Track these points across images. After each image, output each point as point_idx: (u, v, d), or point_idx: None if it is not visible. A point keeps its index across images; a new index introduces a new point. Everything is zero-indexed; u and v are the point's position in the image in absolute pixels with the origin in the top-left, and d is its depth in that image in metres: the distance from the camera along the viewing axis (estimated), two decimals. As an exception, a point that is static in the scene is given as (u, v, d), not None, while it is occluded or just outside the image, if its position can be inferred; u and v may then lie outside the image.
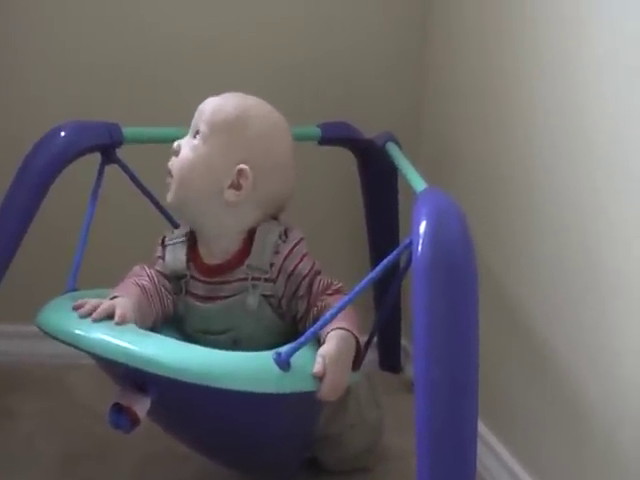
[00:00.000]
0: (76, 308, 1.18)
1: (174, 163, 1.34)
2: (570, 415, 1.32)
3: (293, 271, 1.33)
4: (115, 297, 1.23)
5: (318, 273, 1.35)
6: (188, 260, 1.36)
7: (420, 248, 1.07)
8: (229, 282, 1.33)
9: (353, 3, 1.97)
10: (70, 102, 1.85)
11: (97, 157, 1.50)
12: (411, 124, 1.98)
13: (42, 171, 1.40)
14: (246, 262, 1.32)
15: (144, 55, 1.88)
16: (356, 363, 1.25)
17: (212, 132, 1.32)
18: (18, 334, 1.88)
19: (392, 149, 1.71)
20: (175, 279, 1.36)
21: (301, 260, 1.34)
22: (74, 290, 1.34)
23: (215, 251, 1.35)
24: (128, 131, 1.51)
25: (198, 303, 1.35)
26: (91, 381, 1.76)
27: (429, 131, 1.97)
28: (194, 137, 1.34)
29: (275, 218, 1.38)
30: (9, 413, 1.68)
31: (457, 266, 1.07)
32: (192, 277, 1.36)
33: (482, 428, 1.52)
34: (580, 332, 1.30)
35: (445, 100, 1.89)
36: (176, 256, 1.37)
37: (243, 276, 1.32)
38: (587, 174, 1.28)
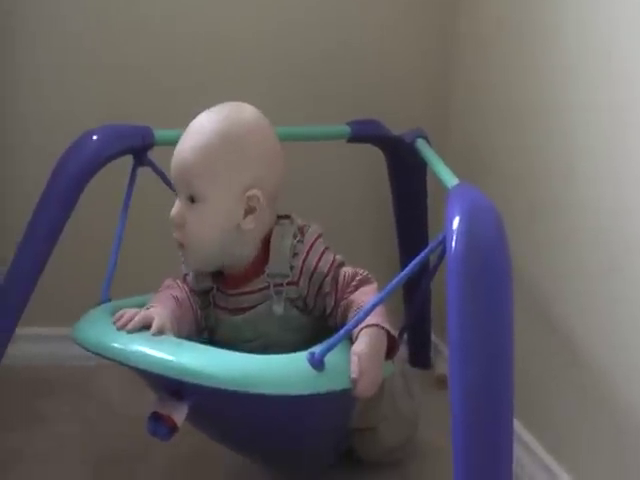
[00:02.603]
0: (115, 320, 1.18)
1: (185, 237, 1.28)
2: (606, 409, 1.32)
3: (314, 270, 1.31)
4: (151, 307, 1.23)
5: (341, 265, 1.33)
6: (212, 274, 1.36)
7: (454, 244, 1.07)
8: (253, 292, 1.33)
9: (381, 0, 1.97)
10: (99, 106, 1.87)
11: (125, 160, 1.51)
12: (440, 120, 1.99)
13: (76, 175, 1.41)
14: (266, 270, 1.32)
15: (172, 58, 1.90)
16: (390, 353, 1.25)
17: (204, 187, 1.26)
18: (49, 337, 1.91)
19: (422, 146, 1.71)
20: (202, 294, 1.36)
21: (320, 258, 1.32)
22: (108, 300, 1.35)
23: (236, 265, 1.33)
24: (159, 133, 1.52)
25: (226, 315, 1.35)
26: (123, 385, 1.77)
27: (458, 127, 1.97)
28: (191, 201, 1.27)
29: (287, 216, 1.35)
30: (40, 416, 1.69)
31: (492, 262, 1.06)
32: (218, 289, 1.35)
33: (517, 425, 1.52)
34: (615, 326, 1.29)
35: (474, 96, 1.89)
36: (201, 276, 1.36)
37: (265, 285, 1.32)
38: (626, 170, 1.28)
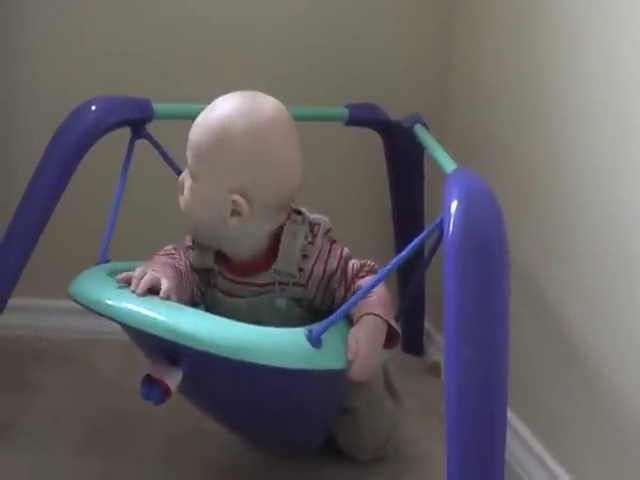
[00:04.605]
0: (120, 280, 1.17)
1: (182, 202, 1.28)
2: (597, 400, 1.32)
3: (324, 273, 1.30)
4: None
5: (348, 259, 1.32)
6: (216, 255, 1.33)
7: (452, 227, 1.07)
8: (256, 285, 1.30)
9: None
10: (100, 78, 1.85)
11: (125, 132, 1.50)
12: (438, 107, 1.98)
13: (73, 145, 1.40)
14: (273, 266, 1.29)
15: (174, 32, 1.88)
16: (389, 343, 1.25)
17: (198, 168, 1.24)
18: (43, 308, 1.90)
19: (420, 131, 1.70)
20: (203, 272, 1.33)
21: (328, 257, 1.30)
22: (107, 262, 1.34)
23: (241, 254, 1.31)
24: (158, 106, 1.52)
25: (226, 298, 1.33)
26: (114, 357, 1.77)
27: (456, 114, 1.97)
28: (191, 175, 1.27)
29: (299, 212, 1.32)
30: (32, 387, 1.68)
31: (489, 245, 1.06)
32: (219, 273, 1.33)
33: (509, 415, 1.51)
34: (607, 316, 1.29)
35: (472, 82, 1.88)
36: (204, 252, 1.33)
37: (270, 280, 1.30)
38: (620, 157, 1.27)
